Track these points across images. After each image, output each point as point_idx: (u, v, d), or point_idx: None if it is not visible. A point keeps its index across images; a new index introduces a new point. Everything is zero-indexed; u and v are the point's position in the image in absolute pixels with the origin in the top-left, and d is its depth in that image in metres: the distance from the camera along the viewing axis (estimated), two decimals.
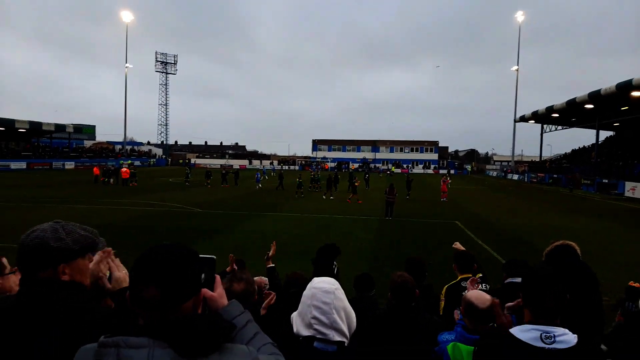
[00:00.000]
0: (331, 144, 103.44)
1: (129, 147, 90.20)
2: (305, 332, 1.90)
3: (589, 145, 62.44)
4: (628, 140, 55.99)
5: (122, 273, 1.97)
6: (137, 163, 77.97)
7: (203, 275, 1.43)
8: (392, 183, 22.96)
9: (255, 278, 4.40)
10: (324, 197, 29.61)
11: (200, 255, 1.48)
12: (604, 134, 63.17)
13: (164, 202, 24.70)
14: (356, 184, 28.41)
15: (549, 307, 1.91)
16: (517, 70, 74.83)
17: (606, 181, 42.18)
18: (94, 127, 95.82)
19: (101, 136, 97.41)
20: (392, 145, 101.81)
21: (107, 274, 1.99)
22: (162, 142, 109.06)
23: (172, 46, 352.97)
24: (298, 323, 1.95)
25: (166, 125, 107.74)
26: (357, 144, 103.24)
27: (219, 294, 1.56)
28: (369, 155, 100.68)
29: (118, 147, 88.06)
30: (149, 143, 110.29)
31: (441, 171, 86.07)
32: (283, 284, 4.50)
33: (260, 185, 38.33)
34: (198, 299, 1.38)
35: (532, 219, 21.64)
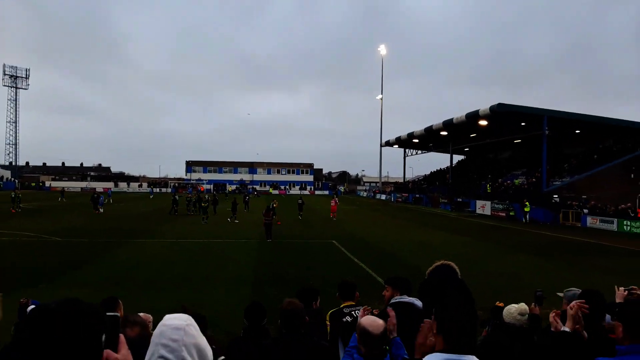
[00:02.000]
0: (206, 166, 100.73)
1: None
2: None
3: (444, 168, 69.40)
4: (476, 164, 63.48)
5: None
6: None
7: (104, 337, 1.21)
8: (269, 205, 22.98)
9: (140, 314, 4.00)
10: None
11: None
12: (457, 158, 70.89)
13: (14, 230, 21.71)
14: (275, 205, 28.46)
15: (463, 335, 1.96)
16: (381, 99, 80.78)
17: (460, 200, 47.14)
18: None
19: None
20: (270, 167, 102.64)
21: None
22: (11, 163, 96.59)
23: (26, 59, 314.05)
24: None
25: (15, 144, 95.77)
26: (234, 166, 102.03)
27: (123, 355, 1.34)
28: (246, 177, 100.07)
29: None
30: None
31: (316, 191, 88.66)
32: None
33: (101, 209, 34.94)
34: None
35: (400, 235, 23.23)
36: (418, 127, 54.43)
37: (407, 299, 3.89)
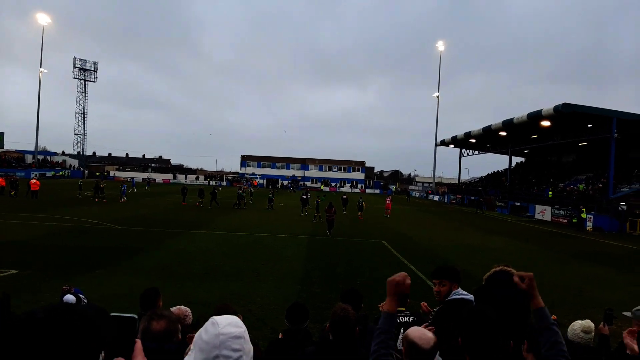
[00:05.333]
0: (260, 161, 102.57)
1: (40, 157, 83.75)
2: None
3: (502, 170, 66.81)
4: (537, 166, 60.67)
5: None
6: (48, 174, 72.68)
7: (102, 355, 1.06)
8: (331, 202, 23.56)
9: (173, 309, 3.98)
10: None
11: (116, 314, 1.18)
12: (516, 160, 67.95)
13: (77, 217, 22.94)
14: (363, 204, 32.14)
15: (489, 354, 1.80)
16: (437, 96, 78.90)
17: (518, 204, 45.21)
18: (2, 134, 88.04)
19: (10, 144, 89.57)
20: (321, 163, 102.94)
21: None
22: (79, 152, 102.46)
23: (99, 49, 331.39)
24: None
25: (83, 135, 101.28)
26: (287, 162, 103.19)
27: None
28: (298, 173, 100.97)
29: (29, 156, 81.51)
30: (63, 153, 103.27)
31: (367, 190, 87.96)
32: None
33: (125, 198, 36.00)
34: None
35: (453, 239, 22.51)
36: (487, 125, 51.78)
37: (468, 295, 3.39)
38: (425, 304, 4.27)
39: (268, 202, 36.48)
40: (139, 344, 1.29)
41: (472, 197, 52.40)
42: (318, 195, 34.55)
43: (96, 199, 33.93)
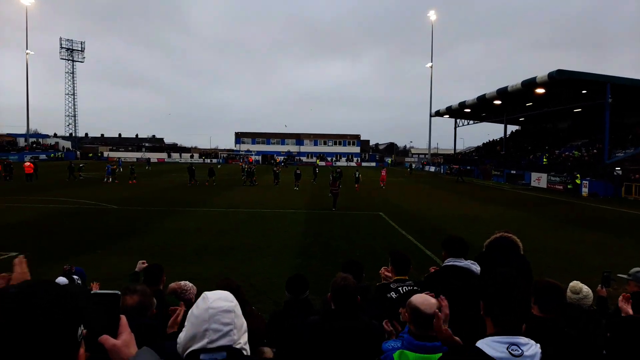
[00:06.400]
0: (255, 137, 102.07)
1: (32, 140, 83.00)
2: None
3: (497, 139, 66.81)
4: (532, 134, 60.69)
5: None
6: (42, 157, 72.21)
7: (82, 329, 1.02)
8: (336, 176, 23.74)
9: (172, 284, 3.99)
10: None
11: (99, 292, 1.14)
12: (511, 128, 67.91)
13: (74, 198, 22.87)
14: (359, 176, 34.00)
15: (514, 317, 1.77)
16: (431, 67, 78.16)
17: (514, 172, 45.38)
18: None
19: (1, 128, 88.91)
20: (316, 138, 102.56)
21: None
22: (71, 134, 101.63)
23: (86, 26, 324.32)
24: (189, 347, 1.65)
25: (74, 116, 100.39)
26: (282, 137, 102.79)
27: (123, 341, 1.19)
28: (293, 148, 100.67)
29: (21, 140, 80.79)
30: (55, 135, 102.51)
31: (362, 163, 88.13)
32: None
33: (111, 178, 34.57)
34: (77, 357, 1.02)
35: (449, 208, 22.63)
36: (482, 94, 51.16)
37: (462, 262, 3.54)
38: (435, 268, 4.29)
39: (274, 177, 35.82)
40: (124, 319, 1.26)
41: (462, 167, 52.91)
42: (332, 171, 36.49)
43: (116, 180, 34.63)
